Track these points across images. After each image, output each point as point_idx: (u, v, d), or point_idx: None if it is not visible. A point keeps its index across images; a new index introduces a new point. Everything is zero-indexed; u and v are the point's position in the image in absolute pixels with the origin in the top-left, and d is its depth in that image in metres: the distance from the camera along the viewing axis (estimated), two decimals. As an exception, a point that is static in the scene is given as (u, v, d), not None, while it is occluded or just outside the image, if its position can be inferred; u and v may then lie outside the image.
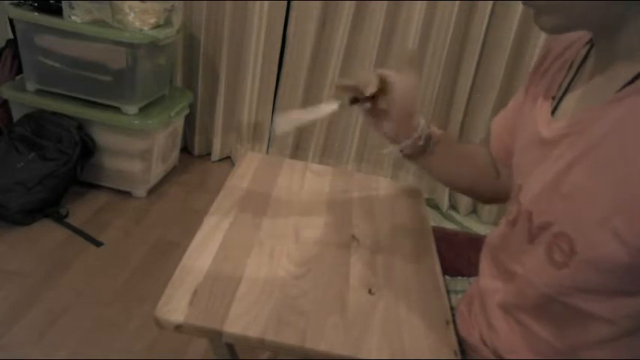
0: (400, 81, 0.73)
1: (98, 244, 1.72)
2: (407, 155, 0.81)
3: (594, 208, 0.52)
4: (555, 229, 0.56)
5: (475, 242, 0.86)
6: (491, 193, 0.87)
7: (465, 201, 2.34)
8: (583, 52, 0.64)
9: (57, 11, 1.73)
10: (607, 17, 0.54)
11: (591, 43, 0.63)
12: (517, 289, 0.63)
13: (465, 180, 0.88)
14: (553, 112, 0.63)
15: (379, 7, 2.03)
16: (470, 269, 0.87)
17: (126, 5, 1.73)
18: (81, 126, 1.86)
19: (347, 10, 2.05)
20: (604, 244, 0.50)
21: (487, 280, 0.72)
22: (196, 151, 2.42)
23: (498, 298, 0.67)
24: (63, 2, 1.71)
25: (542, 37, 1.95)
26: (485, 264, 0.74)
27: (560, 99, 0.63)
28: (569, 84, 0.64)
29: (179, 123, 2.19)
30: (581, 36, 0.67)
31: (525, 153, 0.67)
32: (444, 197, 2.34)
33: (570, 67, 0.65)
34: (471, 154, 0.88)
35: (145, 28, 1.78)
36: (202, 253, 0.74)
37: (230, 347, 1.01)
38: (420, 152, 0.80)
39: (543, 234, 0.58)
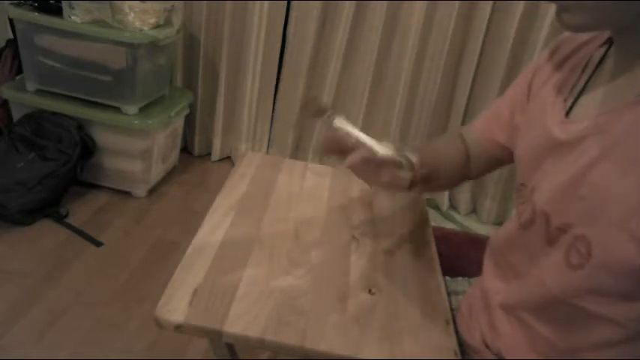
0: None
1: (98, 244, 1.72)
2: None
3: (613, 210, 0.51)
4: (575, 231, 0.55)
5: (475, 242, 0.86)
6: (459, 182, 0.90)
7: (464, 201, 2.34)
8: (600, 52, 0.63)
9: (57, 11, 1.73)
10: (631, 17, 0.54)
11: (609, 44, 0.63)
12: (524, 290, 0.63)
13: (442, 185, 0.92)
14: (567, 113, 0.62)
15: (379, 7, 2.03)
16: (470, 269, 0.87)
17: (126, 5, 1.73)
18: (81, 126, 1.86)
19: (347, 10, 2.05)
20: (620, 246, 0.50)
21: (490, 281, 0.72)
22: (196, 151, 2.42)
23: (501, 298, 0.67)
24: (63, 2, 1.71)
25: (542, 36, 1.95)
26: (489, 265, 0.74)
27: (575, 100, 0.63)
28: (585, 85, 0.63)
29: (179, 123, 2.19)
30: (595, 37, 0.66)
31: (536, 154, 0.66)
32: (444, 197, 2.34)
33: (585, 68, 0.65)
34: (446, 161, 0.85)
35: (145, 28, 1.78)
36: (202, 253, 0.74)
37: (230, 347, 1.01)
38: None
39: (563, 236, 0.57)
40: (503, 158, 0.80)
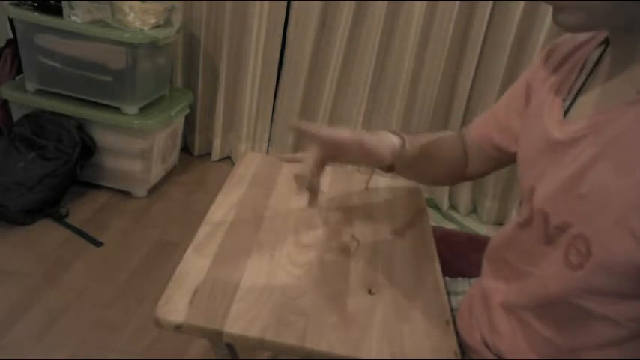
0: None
1: (98, 244, 1.72)
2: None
3: (612, 208, 0.51)
4: (574, 230, 0.55)
5: (475, 242, 0.86)
6: (456, 180, 0.92)
7: (465, 201, 2.34)
8: (597, 53, 0.64)
9: (57, 11, 1.73)
10: (627, 17, 0.54)
11: (606, 44, 0.63)
12: (524, 290, 0.63)
13: (434, 178, 0.94)
14: (565, 114, 0.63)
15: (379, 7, 2.03)
16: (470, 270, 0.87)
17: (126, 5, 1.73)
18: (81, 126, 1.86)
19: (347, 10, 2.05)
20: (619, 244, 0.50)
21: (490, 280, 0.72)
22: (196, 151, 2.42)
23: (501, 298, 0.67)
24: (63, 2, 1.71)
25: (542, 36, 1.95)
26: (487, 265, 0.74)
27: (573, 101, 0.63)
28: (582, 85, 0.63)
29: (179, 123, 2.19)
30: (593, 36, 0.66)
31: (535, 155, 0.66)
32: (444, 197, 2.34)
33: (582, 68, 0.65)
34: (441, 153, 0.88)
35: (145, 28, 1.78)
36: (202, 253, 0.74)
37: (230, 347, 1.01)
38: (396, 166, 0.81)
39: (562, 235, 0.57)
40: (500, 159, 0.81)
